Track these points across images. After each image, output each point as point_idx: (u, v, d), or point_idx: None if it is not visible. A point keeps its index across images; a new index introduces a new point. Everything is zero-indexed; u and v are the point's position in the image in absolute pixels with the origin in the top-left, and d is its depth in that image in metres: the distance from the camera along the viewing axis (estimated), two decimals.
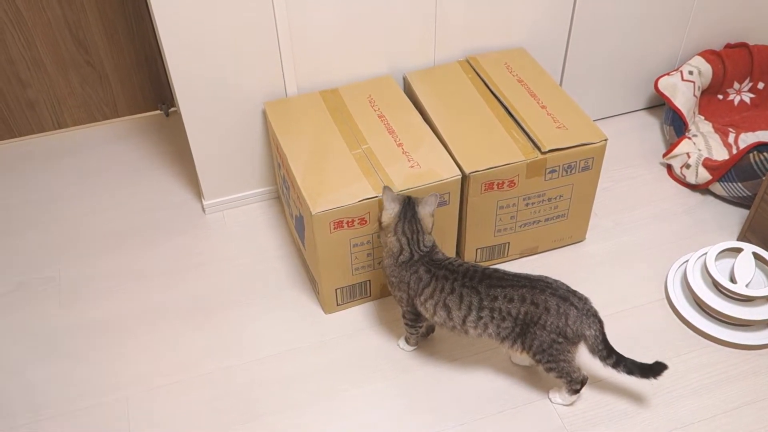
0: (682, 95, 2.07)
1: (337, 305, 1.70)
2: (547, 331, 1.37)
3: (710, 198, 1.98)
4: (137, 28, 2.09)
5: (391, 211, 1.44)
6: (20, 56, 2.04)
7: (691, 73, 2.10)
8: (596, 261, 1.82)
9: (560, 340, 1.38)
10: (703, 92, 2.18)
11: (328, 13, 1.71)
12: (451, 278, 1.42)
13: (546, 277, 1.41)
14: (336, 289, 1.66)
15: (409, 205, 1.44)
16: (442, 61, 1.90)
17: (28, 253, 1.87)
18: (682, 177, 2.00)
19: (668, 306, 1.71)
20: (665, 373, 1.41)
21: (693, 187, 2.00)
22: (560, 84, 2.08)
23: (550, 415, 1.50)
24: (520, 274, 1.42)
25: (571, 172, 1.66)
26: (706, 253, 1.70)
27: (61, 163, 2.13)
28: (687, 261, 1.75)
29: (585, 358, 1.46)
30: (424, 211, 1.44)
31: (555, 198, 1.71)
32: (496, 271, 1.43)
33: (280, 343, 1.64)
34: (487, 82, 1.81)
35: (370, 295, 1.72)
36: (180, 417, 1.51)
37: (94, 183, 2.07)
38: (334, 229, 1.53)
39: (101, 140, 2.21)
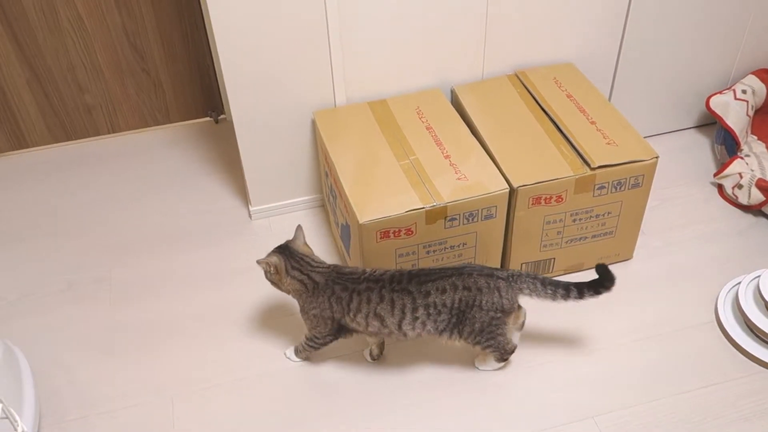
0: (735, 114, 2.03)
1: None
2: (485, 311, 1.41)
3: (763, 220, 1.93)
4: (192, 38, 2.15)
5: (275, 261, 1.46)
6: (80, 62, 2.11)
7: (744, 92, 2.06)
8: (643, 280, 1.78)
9: (498, 315, 1.43)
10: (757, 112, 2.14)
11: (379, 26, 1.73)
12: (376, 288, 1.43)
13: (468, 263, 1.48)
14: None
15: (285, 248, 1.49)
16: (491, 75, 1.91)
17: (80, 254, 1.92)
18: (734, 197, 1.96)
19: (718, 329, 1.67)
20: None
21: (745, 208, 1.96)
22: (609, 100, 2.06)
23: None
24: (443, 266, 1.47)
25: (620, 188, 1.65)
26: (759, 276, 1.65)
27: (115, 166, 2.19)
28: (739, 283, 1.71)
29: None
30: (298, 244, 1.50)
31: (603, 215, 1.69)
32: (422, 269, 1.46)
33: (323, 350, 1.65)
34: (535, 96, 1.81)
35: None
36: (224, 419, 1.53)
37: (146, 186, 2.12)
38: (381, 238, 1.54)
39: (153, 145, 2.26)
